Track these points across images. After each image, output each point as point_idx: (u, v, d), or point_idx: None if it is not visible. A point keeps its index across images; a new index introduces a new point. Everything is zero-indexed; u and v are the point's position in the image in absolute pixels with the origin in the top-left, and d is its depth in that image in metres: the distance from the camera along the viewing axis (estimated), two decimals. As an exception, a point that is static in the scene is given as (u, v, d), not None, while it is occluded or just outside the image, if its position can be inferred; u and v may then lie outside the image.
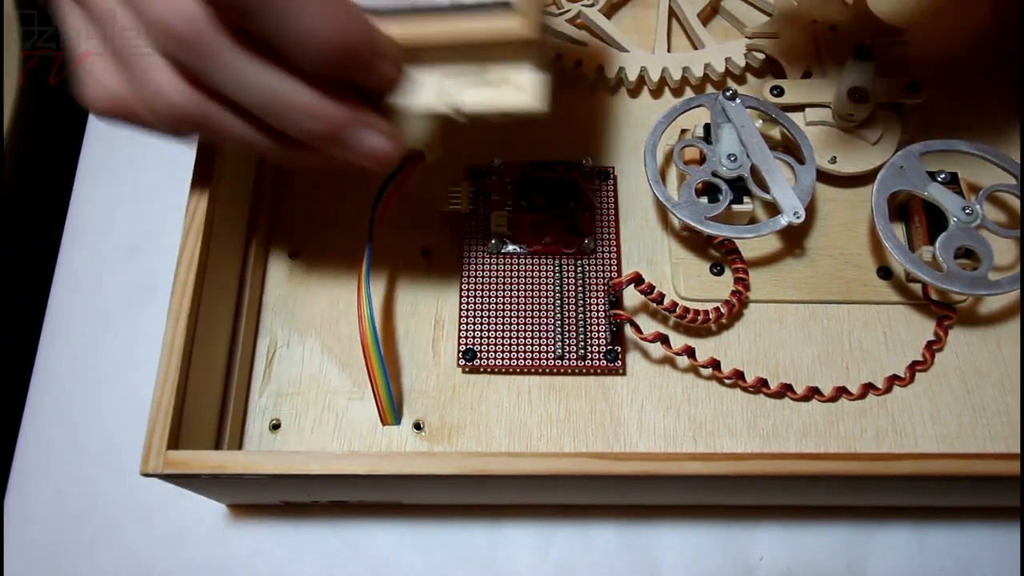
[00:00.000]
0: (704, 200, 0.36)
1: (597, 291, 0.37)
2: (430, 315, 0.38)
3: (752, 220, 0.37)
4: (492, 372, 0.36)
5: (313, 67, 0.24)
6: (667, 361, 0.37)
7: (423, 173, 0.38)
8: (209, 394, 0.33)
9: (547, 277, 0.37)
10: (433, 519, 0.36)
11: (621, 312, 0.35)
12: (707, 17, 0.45)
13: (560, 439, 0.35)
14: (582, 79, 0.43)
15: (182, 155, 0.37)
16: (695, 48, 0.43)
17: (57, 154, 0.47)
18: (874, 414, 0.36)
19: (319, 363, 0.37)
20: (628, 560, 0.35)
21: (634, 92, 0.43)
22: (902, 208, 0.38)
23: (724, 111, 0.37)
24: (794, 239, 0.38)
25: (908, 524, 0.36)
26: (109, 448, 0.37)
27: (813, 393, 0.36)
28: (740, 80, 0.43)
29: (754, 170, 0.36)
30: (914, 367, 0.36)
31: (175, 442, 0.29)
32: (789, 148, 0.38)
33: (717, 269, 0.38)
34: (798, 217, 0.35)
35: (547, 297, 0.37)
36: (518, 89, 0.26)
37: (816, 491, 0.33)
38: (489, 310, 0.37)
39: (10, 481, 0.37)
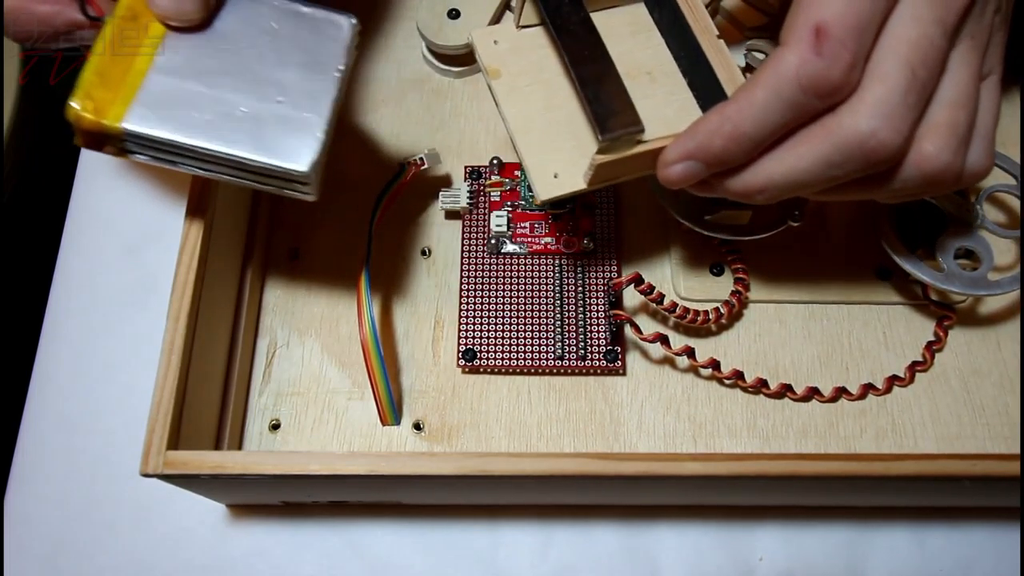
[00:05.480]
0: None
1: (597, 291, 0.37)
2: (430, 315, 0.38)
3: (752, 221, 0.37)
4: (492, 372, 0.36)
5: None
6: (667, 361, 0.37)
7: (423, 173, 0.38)
8: (209, 394, 0.33)
9: (547, 277, 0.37)
10: (433, 519, 0.36)
11: (621, 312, 0.35)
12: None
13: (560, 439, 0.35)
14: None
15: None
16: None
17: (57, 154, 0.47)
18: (874, 414, 0.36)
19: (319, 363, 0.37)
20: (628, 560, 0.35)
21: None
22: (902, 208, 0.38)
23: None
24: (794, 239, 0.38)
25: (908, 524, 0.36)
26: (109, 448, 0.37)
27: (813, 393, 0.36)
28: (740, 80, 0.43)
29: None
30: (914, 367, 0.36)
31: (175, 442, 0.29)
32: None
33: (717, 269, 0.38)
34: (798, 217, 0.35)
35: (547, 297, 0.37)
36: None
37: (816, 491, 0.33)
38: (489, 310, 0.37)
39: (10, 481, 0.37)
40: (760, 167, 0.27)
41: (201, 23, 0.28)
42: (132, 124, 0.27)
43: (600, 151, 0.28)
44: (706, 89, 0.31)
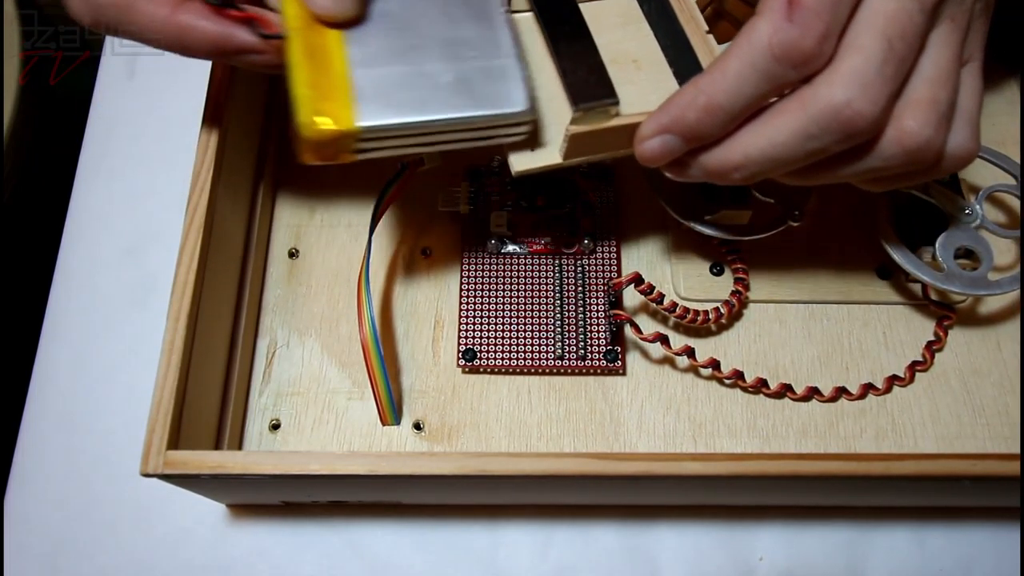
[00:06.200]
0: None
1: (597, 291, 0.37)
2: (430, 315, 0.38)
3: (752, 221, 0.37)
4: (492, 372, 0.36)
5: None
6: (667, 361, 0.37)
7: (423, 173, 0.38)
8: (209, 394, 0.33)
9: (547, 277, 0.37)
10: (433, 519, 0.36)
11: (621, 312, 0.35)
12: (710, 20, 0.44)
13: (560, 439, 0.35)
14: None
15: (181, 155, 0.37)
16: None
17: (57, 154, 0.47)
18: (874, 414, 0.36)
19: (319, 363, 0.37)
20: (628, 560, 0.35)
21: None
22: (902, 208, 0.38)
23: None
24: (794, 239, 0.38)
25: (908, 524, 0.36)
26: (109, 448, 0.37)
27: (813, 393, 0.36)
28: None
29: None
30: (914, 367, 0.36)
31: (175, 442, 0.29)
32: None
33: (717, 269, 0.38)
34: (798, 217, 0.35)
35: (547, 297, 0.37)
36: None
37: (816, 491, 0.33)
38: (489, 310, 0.37)
39: (10, 481, 0.37)
40: (736, 141, 0.27)
41: (359, 17, 0.28)
42: (367, 121, 0.27)
43: (573, 121, 0.29)
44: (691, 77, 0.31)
